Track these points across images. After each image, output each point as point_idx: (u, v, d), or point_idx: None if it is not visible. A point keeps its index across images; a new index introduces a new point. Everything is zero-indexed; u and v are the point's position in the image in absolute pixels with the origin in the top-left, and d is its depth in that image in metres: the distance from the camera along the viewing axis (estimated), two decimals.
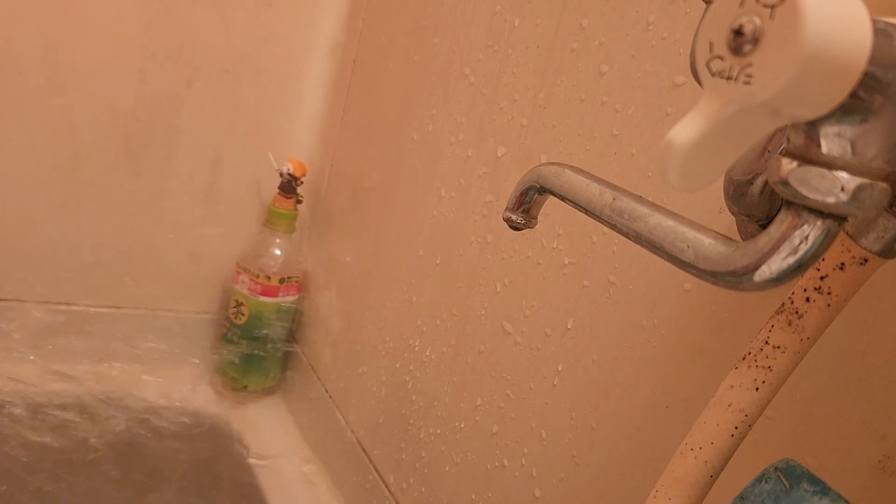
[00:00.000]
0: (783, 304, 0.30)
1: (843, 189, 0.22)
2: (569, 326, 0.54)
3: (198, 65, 0.91)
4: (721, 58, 0.21)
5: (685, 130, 0.22)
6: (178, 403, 0.97)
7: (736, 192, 0.33)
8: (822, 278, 0.29)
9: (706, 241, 0.25)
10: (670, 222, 0.27)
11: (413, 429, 0.73)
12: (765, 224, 0.33)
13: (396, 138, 0.81)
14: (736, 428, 0.30)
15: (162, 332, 1.01)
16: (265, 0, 0.91)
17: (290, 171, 0.94)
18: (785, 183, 0.22)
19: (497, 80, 0.65)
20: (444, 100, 0.73)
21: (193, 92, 0.92)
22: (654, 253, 0.28)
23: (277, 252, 0.97)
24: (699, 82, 0.22)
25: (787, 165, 0.22)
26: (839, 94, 0.20)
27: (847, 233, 0.28)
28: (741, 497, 0.31)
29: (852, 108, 0.21)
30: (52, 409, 0.90)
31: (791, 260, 0.23)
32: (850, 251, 0.28)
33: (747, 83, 0.20)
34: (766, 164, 0.32)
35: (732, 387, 0.30)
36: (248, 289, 0.95)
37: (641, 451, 0.48)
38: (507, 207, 0.38)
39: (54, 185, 0.89)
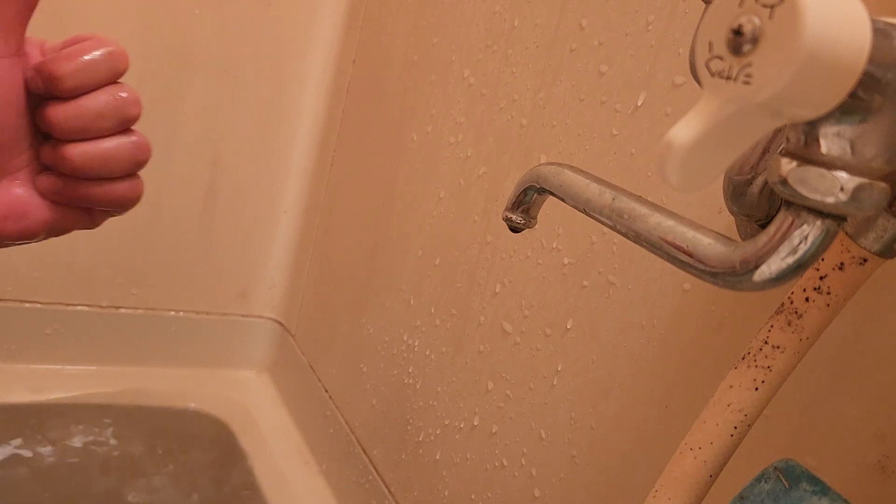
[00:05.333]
0: (783, 304, 0.30)
1: (842, 189, 0.22)
2: (568, 326, 0.54)
3: (197, 65, 0.91)
4: (720, 58, 0.21)
5: (684, 130, 0.22)
6: (177, 403, 0.97)
7: (735, 192, 0.33)
8: (821, 278, 0.29)
9: (706, 241, 0.25)
10: (670, 222, 0.27)
11: (412, 429, 0.73)
12: (764, 224, 0.33)
13: (396, 138, 0.81)
14: (735, 428, 0.30)
15: (161, 332, 1.01)
16: (265, 0, 0.91)
17: None
18: (784, 183, 0.22)
19: (496, 80, 0.65)
20: (443, 100, 0.73)
21: (193, 92, 0.91)
22: (654, 253, 0.28)
23: None
24: (698, 82, 0.22)
25: (787, 165, 0.22)
26: (838, 94, 0.20)
27: (846, 233, 0.28)
28: (741, 497, 0.31)
29: (852, 108, 0.21)
30: (53, 408, 0.90)
31: (790, 260, 0.23)
32: (849, 251, 0.28)
33: (747, 83, 0.20)
34: (765, 164, 0.32)
35: (732, 386, 0.30)
36: None
37: (641, 450, 0.48)
38: (506, 207, 0.38)
39: None
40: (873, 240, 0.28)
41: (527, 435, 0.57)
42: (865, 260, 0.28)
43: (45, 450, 0.90)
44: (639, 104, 0.50)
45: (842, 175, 0.22)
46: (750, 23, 0.20)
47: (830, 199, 0.22)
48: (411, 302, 0.75)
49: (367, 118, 0.89)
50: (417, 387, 0.73)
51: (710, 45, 0.21)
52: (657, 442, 0.47)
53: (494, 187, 0.64)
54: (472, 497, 0.63)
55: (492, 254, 0.64)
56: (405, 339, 0.76)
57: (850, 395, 0.36)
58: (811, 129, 0.22)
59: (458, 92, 0.71)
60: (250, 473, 0.88)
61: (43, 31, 0.88)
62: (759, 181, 0.32)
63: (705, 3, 0.25)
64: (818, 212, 0.22)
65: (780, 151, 0.23)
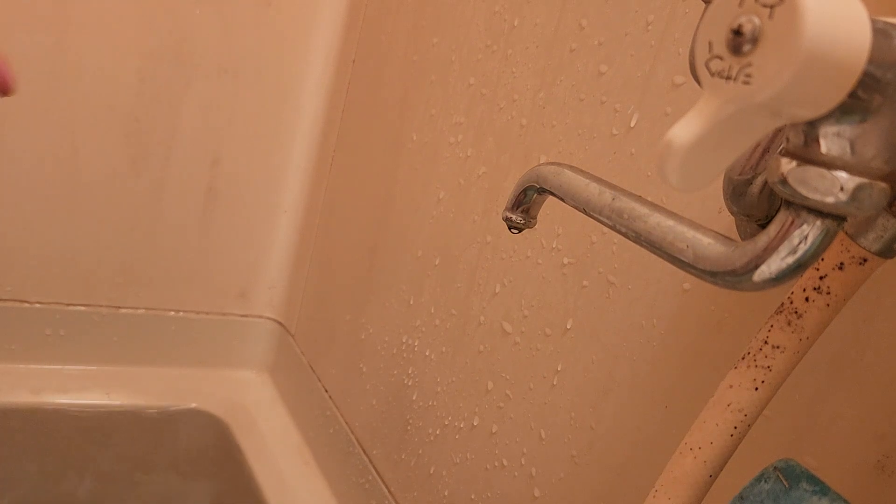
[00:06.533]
0: (782, 304, 0.30)
1: (842, 189, 0.22)
2: (568, 326, 0.54)
3: (197, 65, 0.91)
4: (720, 57, 0.21)
5: (684, 130, 0.22)
6: (177, 403, 0.97)
7: (735, 192, 0.33)
8: (821, 278, 0.29)
9: (705, 241, 0.25)
10: (669, 222, 0.27)
11: (412, 429, 0.73)
12: (764, 224, 0.33)
13: (395, 138, 0.81)
14: (735, 428, 0.30)
15: (161, 332, 1.01)
16: (265, 0, 0.91)
17: None
18: (784, 182, 0.22)
19: (496, 80, 0.65)
20: (443, 100, 0.73)
21: (193, 92, 0.91)
22: (654, 253, 0.28)
23: None
24: (698, 82, 0.22)
25: (787, 165, 0.22)
26: (838, 94, 0.20)
27: (846, 232, 0.28)
28: (740, 497, 0.31)
29: (851, 107, 0.21)
30: (52, 409, 0.90)
31: (790, 260, 0.23)
32: (849, 251, 0.28)
33: (746, 83, 0.20)
34: (765, 164, 0.32)
35: (732, 386, 0.30)
36: None
37: (641, 450, 0.48)
38: (506, 207, 0.38)
39: (54, 185, 0.89)
40: (873, 240, 0.28)
41: (527, 435, 0.57)
42: (865, 260, 0.28)
43: (45, 449, 0.90)
44: (632, 125, 0.50)
45: (842, 175, 0.22)
46: (750, 23, 0.20)
47: (830, 199, 0.22)
48: (411, 302, 0.75)
49: (367, 118, 0.89)
50: (417, 387, 0.73)
51: (710, 45, 0.22)
52: (657, 442, 0.47)
53: (494, 187, 0.64)
54: (472, 497, 0.63)
55: (492, 254, 0.64)
56: (405, 339, 0.76)
57: (850, 394, 0.36)
58: (811, 129, 0.22)
59: (458, 92, 0.71)
60: (250, 473, 0.88)
61: (44, 32, 0.88)
62: (759, 181, 0.32)
63: (705, 3, 0.25)
64: (818, 212, 0.22)
65: (780, 151, 0.23)
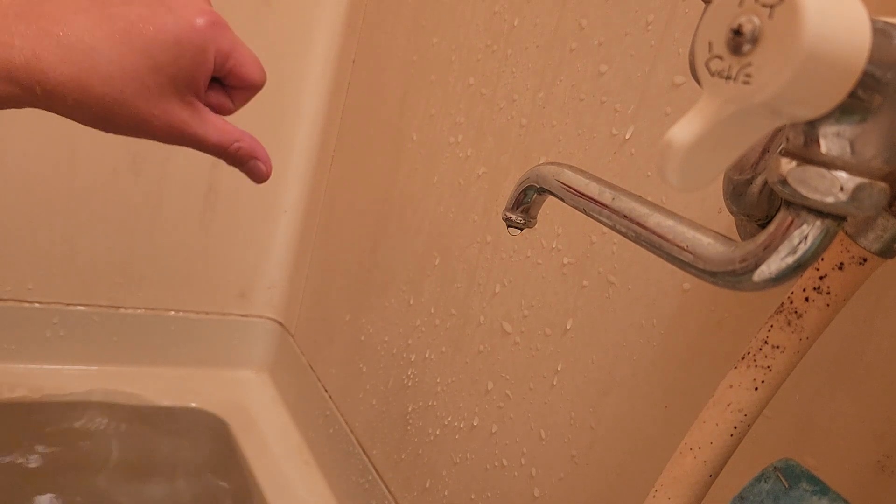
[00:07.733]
0: (782, 304, 0.30)
1: (842, 189, 0.22)
2: (568, 326, 0.54)
3: None
4: (720, 57, 0.21)
5: (684, 130, 0.22)
6: (177, 403, 0.97)
7: (735, 192, 0.33)
8: (821, 278, 0.29)
9: (705, 241, 0.25)
10: (669, 222, 0.27)
11: (412, 429, 0.73)
12: (764, 224, 0.33)
13: (395, 138, 0.81)
14: (735, 427, 0.30)
15: (161, 332, 1.01)
16: (264, 0, 0.91)
17: None
18: (784, 182, 0.22)
19: (496, 79, 0.65)
20: (443, 99, 0.73)
21: None
22: (654, 253, 0.28)
23: None
24: (698, 82, 0.22)
25: (787, 165, 0.22)
26: (838, 94, 0.20)
27: (846, 232, 0.28)
28: (740, 497, 0.31)
29: (851, 107, 0.21)
30: (52, 409, 0.90)
31: (790, 260, 0.23)
32: (849, 251, 0.28)
33: (746, 83, 0.20)
34: (765, 164, 0.32)
35: (731, 386, 0.30)
36: None
37: (640, 450, 0.48)
38: (506, 207, 0.38)
39: (53, 185, 0.89)
40: (873, 239, 0.28)
41: (527, 435, 0.57)
42: (865, 260, 0.28)
43: (45, 450, 0.90)
44: (627, 137, 0.50)
45: (841, 175, 0.22)
46: (750, 23, 0.20)
47: (830, 199, 0.22)
48: (411, 302, 0.75)
49: (367, 118, 0.89)
50: (417, 387, 0.73)
51: (710, 44, 0.21)
52: (657, 441, 0.47)
53: (494, 187, 0.64)
54: (472, 497, 0.63)
55: (492, 254, 0.64)
56: (405, 338, 0.76)
57: (849, 394, 0.36)
58: (811, 128, 0.22)
59: (457, 91, 0.71)
60: (250, 473, 0.88)
61: None
62: (759, 181, 0.32)
63: (705, 2, 0.25)
64: (818, 212, 0.22)
65: (780, 151, 0.23)
